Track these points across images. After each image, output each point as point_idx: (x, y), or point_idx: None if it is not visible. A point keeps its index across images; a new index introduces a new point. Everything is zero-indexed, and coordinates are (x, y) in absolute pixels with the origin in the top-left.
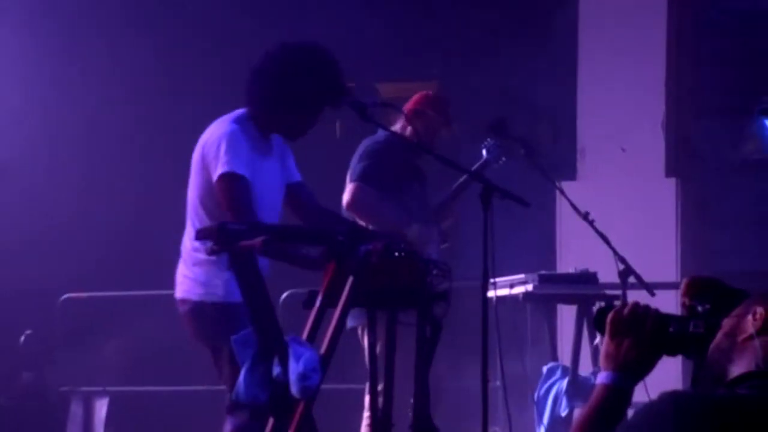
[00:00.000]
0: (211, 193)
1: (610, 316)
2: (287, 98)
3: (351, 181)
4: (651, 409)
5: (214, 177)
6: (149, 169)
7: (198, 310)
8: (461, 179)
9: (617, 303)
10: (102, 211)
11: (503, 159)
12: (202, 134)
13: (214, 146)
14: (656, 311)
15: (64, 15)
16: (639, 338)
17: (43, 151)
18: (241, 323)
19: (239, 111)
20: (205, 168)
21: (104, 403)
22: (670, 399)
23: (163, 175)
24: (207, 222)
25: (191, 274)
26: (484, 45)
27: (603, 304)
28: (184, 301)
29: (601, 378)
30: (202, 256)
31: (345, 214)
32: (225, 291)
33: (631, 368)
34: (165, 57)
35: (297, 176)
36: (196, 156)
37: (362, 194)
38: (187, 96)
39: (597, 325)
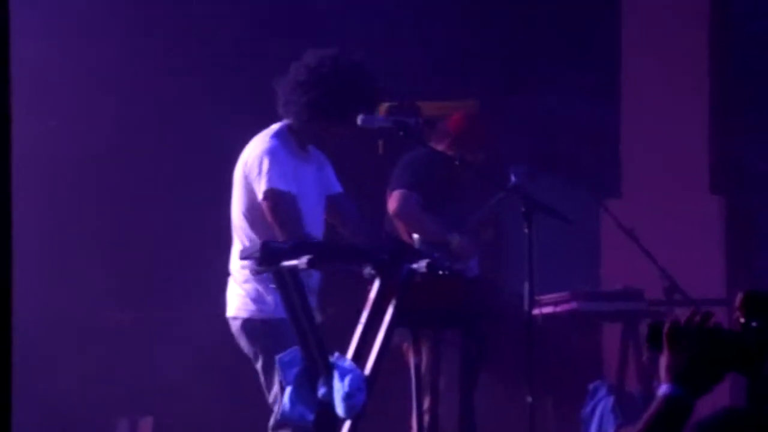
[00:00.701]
0: (255, 210)
1: (666, 327)
2: (327, 108)
3: (396, 188)
4: (707, 423)
5: (259, 194)
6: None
7: (249, 326)
8: (498, 196)
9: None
10: (144, 230)
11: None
12: (242, 152)
13: (256, 163)
14: (714, 323)
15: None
16: (695, 349)
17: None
18: (287, 340)
19: (277, 125)
20: (248, 185)
21: (149, 423)
22: (725, 415)
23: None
24: (254, 238)
25: (242, 291)
26: (524, 63)
27: (650, 321)
28: (235, 318)
29: (661, 390)
30: (249, 273)
31: (387, 227)
32: (275, 307)
33: (688, 380)
34: (190, 72)
35: (338, 187)
36: (237, 174)
37: (408, 202)
38: (222, 115)
39: (650, 340)
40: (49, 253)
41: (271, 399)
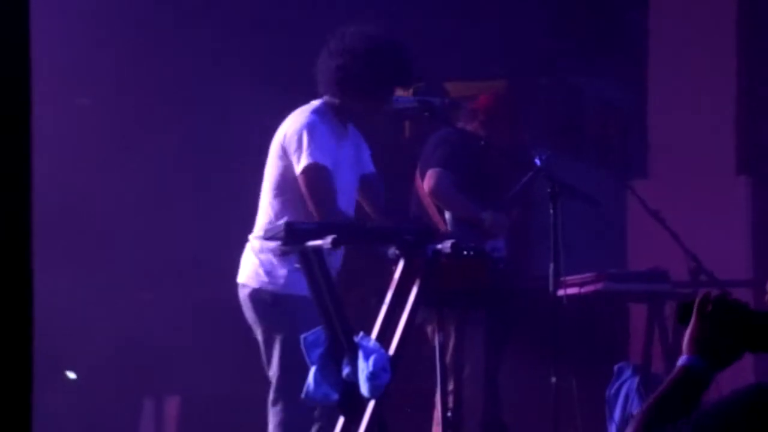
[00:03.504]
0: (287, 183)
1: (697, 300)
2: (367, 85)
3: (430, 167)
4: (738, 398)
5: (298, 168)
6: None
7: (257, 296)
8: (527, 177)
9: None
10: (175, 213)
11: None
12: (280, 125)
13: (295, 137)
14: (743, 303)
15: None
16: (723, 325)
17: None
18: (298, 316)
19: (317, 102)
20: (284, 158)
21: (176, 403)
22: (757, 390)
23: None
24: (280, 211)
25: (256, 261)
26: (552, 43)
27: (675, 302)
28: (244, 285)
29: (682, 360)
30: (269, 243)
31: (414, 208)
32: (286, 282)
33: (711, 353)
34: (220, 53)
35: (371, 167)
36: (274, 146)
37: (443, 180)
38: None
39: (681, 318)
40: (67, 232)
41: (270, 373)
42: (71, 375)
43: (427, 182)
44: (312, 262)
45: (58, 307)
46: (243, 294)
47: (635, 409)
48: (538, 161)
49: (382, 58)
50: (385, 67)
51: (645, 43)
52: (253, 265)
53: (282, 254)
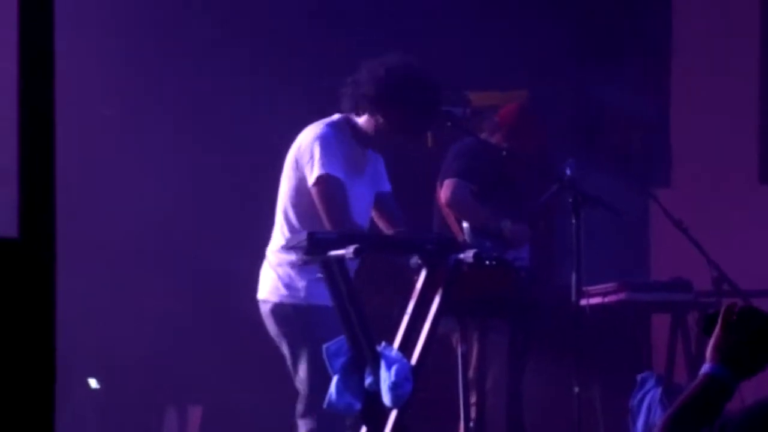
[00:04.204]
0: (302, 196)
1: (723, 309)
2: (389, 111)
3: (447, 177)
4: (762, 407)
5: (310, 179)
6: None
7: (278, 310)
8: (552, 189)
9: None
10: (197, 224)
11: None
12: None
13: (308, 149)
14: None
15: (147, 23)
16: (748, 334)
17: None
18: (321, 327)
19: (335, 116)
20: (298, 170)
21: (198, 413)
22: None
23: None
24: (296, 224)
25: (274, 275)
26: (574, 54)
27: (698, 312)
28: (265, 301)
29: (705, 368)
30: (286, 257)
31: (436, 219)
32: (306, 293)
33: (735, 362)
34: (257, 65)
35: (387, 186)
36: (289, 158)
37: (460, 190)
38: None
39: (706, 329)
40: (89, 244)
41: (298, 384)
42: (93, 383)
43: (443, 193)
44: (334, 272)
45: (82, 314)
46: (265, 310)
47: (658, 419)
48: (568, 171)
49: (411, 97)
50: (411, 106)
51: (667, 51)
52: (272, 280)
53: (303, 264)
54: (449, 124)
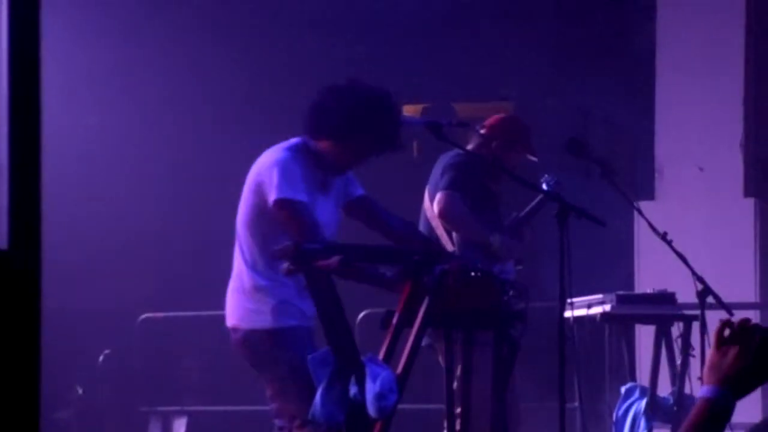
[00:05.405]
0: (260, 218)
1: (717, 326)
2: (347, 139)
3: (441, 189)
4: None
5: (273, 204)
6: (232, 189)
7: (249, 337)
8: (535, 200)
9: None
10: (180, 231)
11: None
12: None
13: (268, 173)
14: (764, 328)
15: (142, 34)
16: (745, 351)
17: (122, 169)
18: (294, 346)
19: (294, 139)
20: (257, 193)
21: (183, 422)
22: None
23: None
24: (253, 248)
25: (239, 302)
26: (560, 65)
27: (683, 324)
28: (235, 329)
29: (703, 391)
30: (249, 283)
31: (422, 228)
32: (273, 317)
33: (733, 383)
34: (251, 76)
35: (359, 190)
36: (249, 181)
37: (454, 202)
38: (268, 120)
39: (721, 341)
40: (84, 248)
41: (271, 403)
42: (79, 390)
43: (437, 205)
44: (319, 283)
45: (67, 323)
46: (235, 337)
47: (642, 431)
48: (545, 186)
49: (377, 122)
50: (372, 130)
51: (652, 64)
52: (238, 307)
53: (288, 274)
54: (435, 134)
